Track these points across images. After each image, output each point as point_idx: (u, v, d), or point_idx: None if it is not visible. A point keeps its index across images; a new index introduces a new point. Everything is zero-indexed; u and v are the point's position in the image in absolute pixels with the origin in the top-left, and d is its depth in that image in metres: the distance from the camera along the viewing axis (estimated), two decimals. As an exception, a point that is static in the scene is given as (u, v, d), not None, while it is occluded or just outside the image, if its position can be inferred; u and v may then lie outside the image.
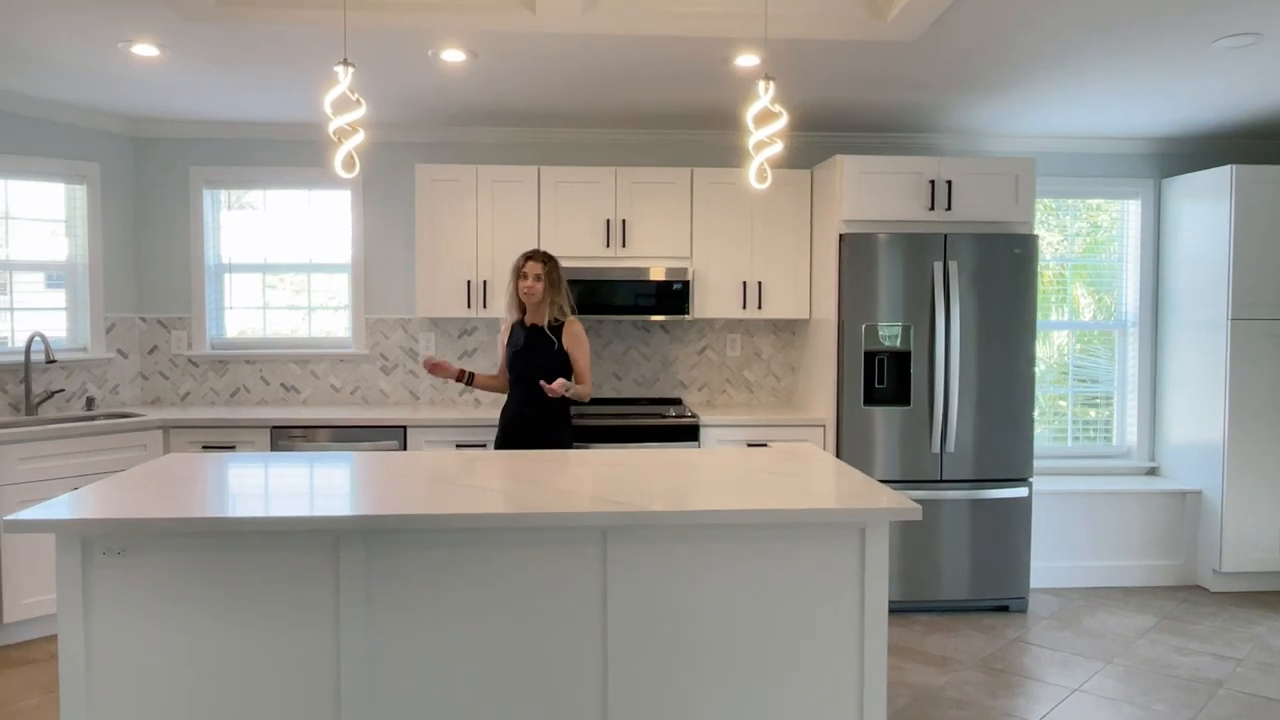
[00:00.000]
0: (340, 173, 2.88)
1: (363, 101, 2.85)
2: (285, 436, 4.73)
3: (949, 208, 4.68)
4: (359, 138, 2.88)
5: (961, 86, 4.39)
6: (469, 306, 5.01)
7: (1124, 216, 5.73)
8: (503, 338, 4.34)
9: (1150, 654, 4.17)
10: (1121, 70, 4.10)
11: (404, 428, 4.76)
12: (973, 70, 4.12)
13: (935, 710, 3.59)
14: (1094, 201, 5.72)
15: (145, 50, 3.90)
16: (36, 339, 4.76)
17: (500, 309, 4.88)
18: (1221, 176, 5.03)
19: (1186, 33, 3.61)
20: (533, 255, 4.20)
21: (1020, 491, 4.71)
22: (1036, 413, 5.78)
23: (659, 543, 2.76)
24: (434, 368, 4.20)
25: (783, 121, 2.93)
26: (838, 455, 4.69)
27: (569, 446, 4.22)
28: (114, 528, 2.58)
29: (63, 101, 4.80)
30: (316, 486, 3.00)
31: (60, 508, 2.64)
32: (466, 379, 4.31)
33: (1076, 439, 5.81)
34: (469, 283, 5.00)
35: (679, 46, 3.76)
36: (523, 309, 4.22)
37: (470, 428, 4.78)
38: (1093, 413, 5.90)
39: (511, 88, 4.44)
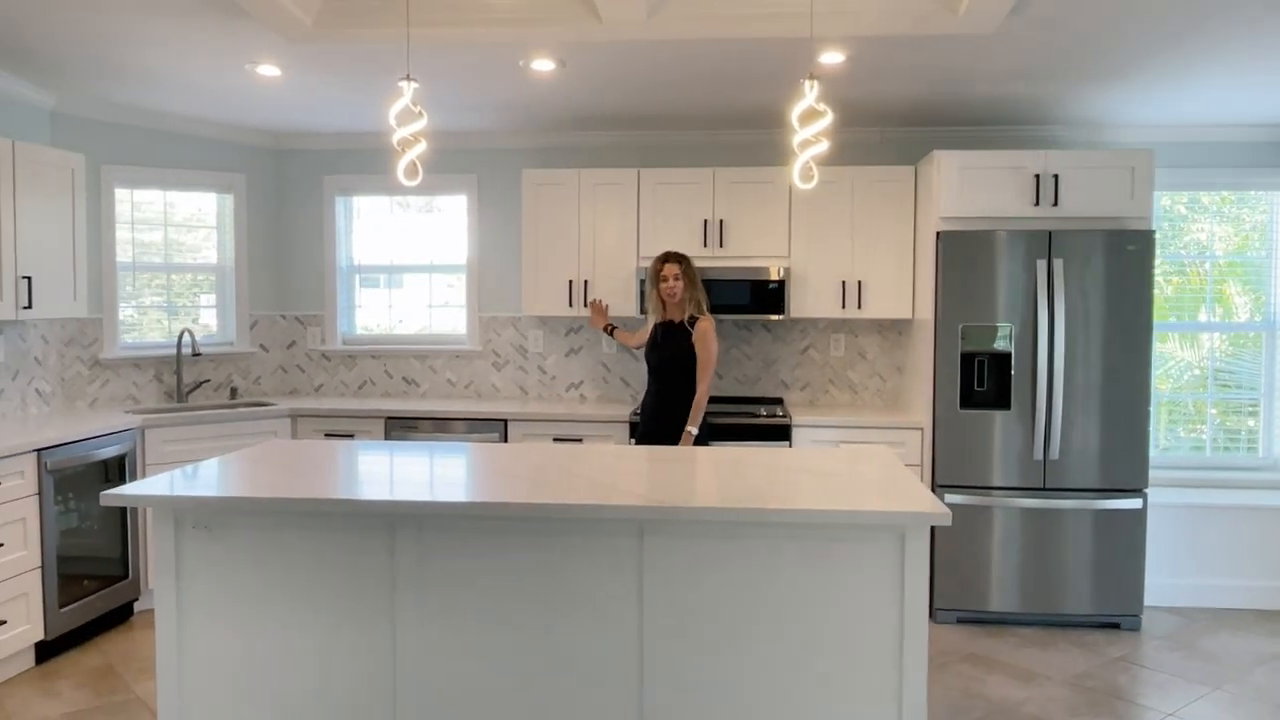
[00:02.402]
0: (404, 180, 3.08)
1: (424, 113, 3.04)
2: (397, 426, 5.05)
3: (1056, 203, 4.47)
4: (421, 147, 3.07)
5: (1066, 77, 4.19)
6: (570, 305, 5.18)
7: (1271, 209, 5.27)
8: (644, 331, 4.67)
9: (1267, 682, 3.85)
10: (1247, 51, 3.80)
11: (505, 421, 4.98)
12: (1073, 60, 3.93)
13: (1007, 725, 3.47)
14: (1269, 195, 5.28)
15: (269, 70, 4.27)
16: (185, 334, 5.27)
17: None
18: (1380, 164, 4.57)
19: (1303, 9, 3.32)
20: (669, 258, 4.48)
21: (1134, 503, 4.44)
22: (1185, 424, 5.44)
23: (692, 539, 2.81)
24: (595, 312, 5.04)
25: (827, 120, 2.92)
26: (933, 460, 4.57)
27: (704, 442, 4.43)
28: (196, 505, 2.87)
29: (212, 119, 5.30)
30: (388, 473, 3.21)
31: (153, 485, 2.96)
32: (610, 330, 4.98)
33: (1218, 448, 5.39)
34: (570, 282, 5.17)
35: (758, 48, 3.78)
36: (663, 308, 4.50)
37: (569, 422, 4.94)
38: (1251, 421, 5.47)
39: (604, 93, 4.57)
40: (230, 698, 2.97)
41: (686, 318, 4.44)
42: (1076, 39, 3.67)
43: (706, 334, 4.39)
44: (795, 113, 2.94)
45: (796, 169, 2.97)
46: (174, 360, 5.33)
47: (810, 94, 2.90)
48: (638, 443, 4.63)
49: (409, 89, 3.01)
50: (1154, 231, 4.38)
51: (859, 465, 3.28)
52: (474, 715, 2.90)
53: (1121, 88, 4.37)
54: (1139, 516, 4.45)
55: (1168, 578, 4.81)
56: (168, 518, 2.96)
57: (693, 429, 4.32)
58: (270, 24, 3.50)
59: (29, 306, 4.26)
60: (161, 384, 5.32)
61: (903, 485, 2.97)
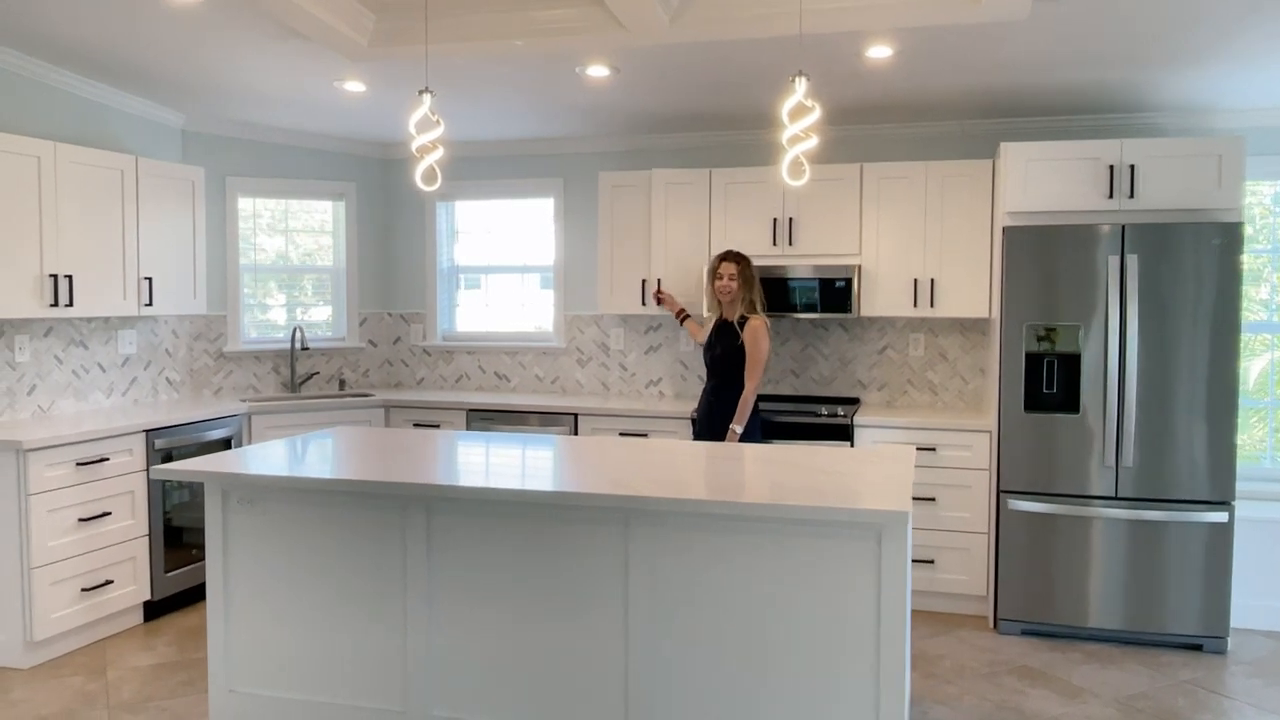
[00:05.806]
0: (421, 186, 3.30)
1: (441, 122, 3.25)
2: (478, 418, 5.33)
3: (1132, 195, 4.21)
4: (438, 154, 3.29)
5: (1133, 62, 3.95)
6: (643, 304, 5.31)
7: None
8: (708, 328, 4.77)
9: (1350, 717, 3.51)
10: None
11: (575, 414, 5.17)
12: (1131, 44, 3.71)
13: (1031, 739, 3.33)
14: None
15: (355, 87, 4.62)
16: (297, 331, 5.75)
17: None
18: None
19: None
20: (727, 256, 4.57)
21: (1218, 516, 4.13)
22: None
23: (675, 529, 2.89)
24: (661, 298, 5.14)
25: (815, 115, 2.92)
26: (997, 465, 4.40)
27: (757, 439, 4.50)
28: (231, 481, 3.18)
29: (320, 133, 5.76)
30: (415, 460, 3.44)
31: (203, 463, 3.30)
32: (682, 318, 5.05)
33: (1349, 463, 4.91)
34: (643, 281, 5.29)
35: (795, 46, 3.78)
36: (720, 306, 4.60)
37: (636, 418, 5.07)
38: None
39: (665, 96, 4.67)
40: (267, 656, 3.28)
41: (738, 317, 4.48)
42: (1124, 23, 3.48)
43: (756, 333, 4.42)
44: (785, 109, 2.95)
45: (785, 165, 2.98)
46: (288, 354, 5.82)
47: (799, 90, 2.91)
48: (695, 438, 4.70)
49: (427, 100, 3.23)
50: (1242, 224, 4.06)
51: (865, 464, 3.25)
52: (476, 679, 3.09)
53: (1198, 71, 4.08)
54: (1224, 530, 4.13)
55: (1269, 599, 4.43)
56: (216, 492, 3.31)
57: (738, 427, 4.36)
58: (328, 44, 3.81)
59: (150, 304, 4.79)
60: (278, 375, 5.83)
61: (898, 486, 2.93)
